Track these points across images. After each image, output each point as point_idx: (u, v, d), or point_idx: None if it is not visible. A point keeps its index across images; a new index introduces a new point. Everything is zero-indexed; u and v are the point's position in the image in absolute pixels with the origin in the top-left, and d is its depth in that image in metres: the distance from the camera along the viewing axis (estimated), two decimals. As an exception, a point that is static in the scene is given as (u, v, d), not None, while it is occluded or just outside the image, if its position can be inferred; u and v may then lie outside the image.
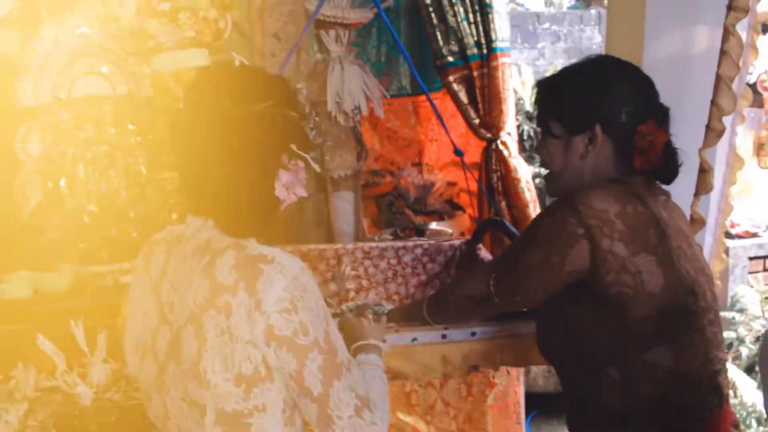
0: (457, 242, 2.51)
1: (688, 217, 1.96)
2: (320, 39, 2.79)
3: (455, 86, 2.71)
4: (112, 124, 2.66)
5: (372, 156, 4.75)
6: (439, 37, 2.63)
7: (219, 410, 1.13)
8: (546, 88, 1.58)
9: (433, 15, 2.66)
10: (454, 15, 2.63)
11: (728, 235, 4.37)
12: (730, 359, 3.55)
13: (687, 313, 1.43)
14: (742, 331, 3.77)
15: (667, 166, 1.50)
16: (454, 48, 2.67)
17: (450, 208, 3.48)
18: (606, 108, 1.46)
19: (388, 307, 2.11)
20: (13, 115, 2.86)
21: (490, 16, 2.61)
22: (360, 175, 2.96)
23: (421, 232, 3.06)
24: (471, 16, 2.63)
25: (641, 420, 1.40)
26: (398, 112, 4.63)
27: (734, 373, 3.32)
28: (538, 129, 1.62)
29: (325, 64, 2.79)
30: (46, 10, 2.75)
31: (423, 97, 4.54)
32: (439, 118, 2.55)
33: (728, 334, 3.83)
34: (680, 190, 1.89)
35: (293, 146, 1.18)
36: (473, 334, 1.80)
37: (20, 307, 2.54)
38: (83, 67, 2.94)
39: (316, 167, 1.27)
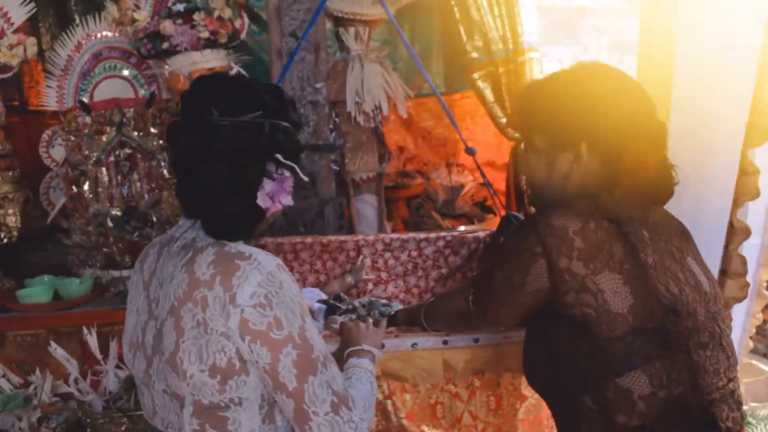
0: (481, 234, 2.41)
1: (726, 226, 1.79)
2: (339, 37, 2.71)
3: (480, 84, 2.57)
4: (134, 128, 2.64)
5: (405, 156, 4.66)
6: (463, 32, 2.50)
7: (196, 402, 1.16)
8: (529, 96, 1.46)
9: (455, 9, 2.53)
10: (478, 9, 2.49)
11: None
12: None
13: (665, 333, 1.29)
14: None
15: (660, 186, 1.39)
16: (478, 43, 2.54)
17: (480, 211, 3.34)
18: (592, 125, 1.34)
19: (397, 307, 2.05)
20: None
21: (516, 9, 2.47)
22: (383, 178, 2.86)
23: (448, 236, 2.94)
24: (496, 9, 2.49)
25: None
26: (432, 112, 4.53)
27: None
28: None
29: (345, 62, 2.72)
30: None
31: (458, 96, 4.44)
32: (449, 116, 2.43)
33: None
34: (718, 196, 1.72)
35: (279, 156, 1.18)
36: (476, 340, 1.75)
37: (40, 311, 2.54)
38: (105, 70, 2.95)
39: (304, 177, 1.24)
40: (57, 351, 2.26)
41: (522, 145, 1.51)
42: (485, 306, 1.48)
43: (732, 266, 1.89)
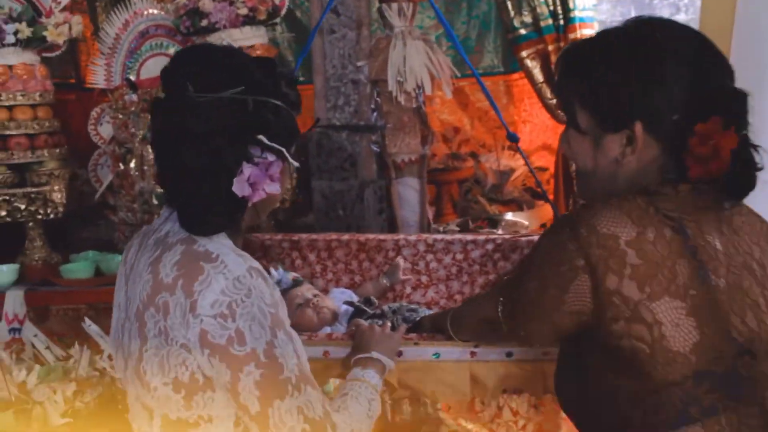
0: (536, 237, 2.18)
1: None
2: (383, 14, 2.61)
3: (529, 62, 2.43)
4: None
5: (460, 138, 4.52)
6: (510, 6, 2.35)
7: (164, 416, 1.07)
8: (572, 62, 1.18)
9: (504, -18, 2.39)
10: (526, -20, 2.34)
11: None
12: None
13: (735, 380, 1.04)
14: None
15: (737, 175, 1.09)
16: (527, 19, 2.38)
17: (530, 197, 3.18)
18: (651, 101, 1.08)
19: (424, 313, 1.90)
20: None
21: (567, -20, 2.31)
22: (426, 160, 2.75)
23: (494, 223, 2.82)
24: (546, -20, 2.34)
25: None
26: (490, 92, 4.34)
27: None
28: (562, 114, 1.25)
29: (388, 40, 2.61)
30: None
31: (516, 76, 4.26)
32: (488, 97, 2.28)
33: None
34: None
35: (263, 138, 1.06)
36: (509, 354, 1.52)
37: (81, 287, 2.58)
38: (152, 48, 2.95)
39: (295, 163, 1.11)
40: (91, 327, 2.29)
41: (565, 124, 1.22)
42: (516, 320, 1.25)
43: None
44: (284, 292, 1.87)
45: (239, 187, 1.05)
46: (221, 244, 1.07)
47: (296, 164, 1.11)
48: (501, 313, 1.28)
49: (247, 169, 1.06)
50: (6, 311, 2.48)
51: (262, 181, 1.07)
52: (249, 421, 1.03)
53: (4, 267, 2.59)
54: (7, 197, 2.61)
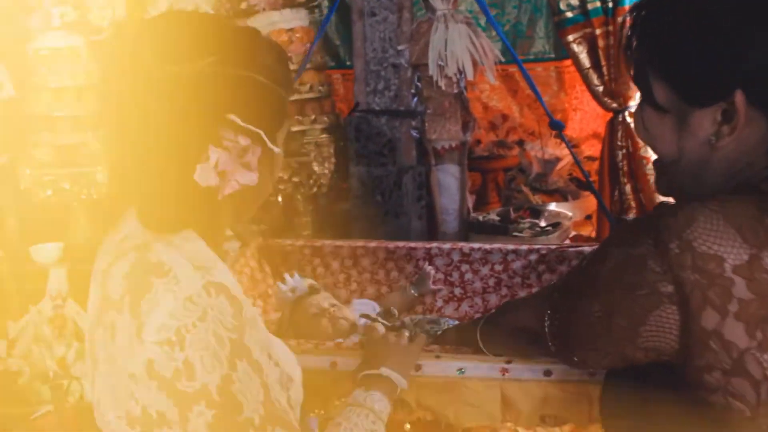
0: (587, 249, 1.97)
1: None
2: (425, -4, 2.55)
3: (575, 47, 2.32)
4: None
5: (508, 125, 4.43)
6: (555, -12, 2.26)
7: None
8: (648, 19, 0.92)
9: (549, -39, 2.29)
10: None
11: None
12: None
13: None
14: None
15: None
16: (574, 1, 2.28)
17: (575, 188, 3.07)
18: (754, 62, 0.83)
19: (447, 324, 1.73)
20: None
21: (618, -41, 2.20)
22: (467, 147, 2.68)
23: (536, 213, 2.73)
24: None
25: None
26: (540, 78, 4.23)
27: None
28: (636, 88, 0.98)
29: (429, 23, 2.55)
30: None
31: (567, 62, 4.13)
32: (530, 83, 2.18)
33: None
34: None
35: (236, 118, 0.89)
36: (548, 373, 1.30)
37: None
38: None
39: (274, 147, 0.93)
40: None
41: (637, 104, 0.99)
42: (568, 345, 1.02)
43: None
44: (299, 300, 1.76)
45: (203, 176, 0.88)
46: (180, 253, 0.89)
47: (277, 150, 0.94)
48: (548, 329, 1.05)
49: (214, 155, 0.89)
50: (50, 288, 2.54)
51: (233, 168, 0.90)
52: None
53: (49, 245, 2.65)
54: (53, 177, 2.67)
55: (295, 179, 2.69)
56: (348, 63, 4.06)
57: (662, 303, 0.83)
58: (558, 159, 3.15)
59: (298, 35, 2.59)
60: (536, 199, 2.96)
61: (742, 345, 0.80)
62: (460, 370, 1.34)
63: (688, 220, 0.82)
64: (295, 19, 2.55)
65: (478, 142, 3.84)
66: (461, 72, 2.51)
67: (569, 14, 2.34)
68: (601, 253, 0.94)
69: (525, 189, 3.00)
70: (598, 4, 2.28)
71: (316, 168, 2.68)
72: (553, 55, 4.06)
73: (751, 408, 0.81)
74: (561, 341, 1.03)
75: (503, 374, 1.32)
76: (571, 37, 2.34)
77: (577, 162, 2.31)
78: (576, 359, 1.02)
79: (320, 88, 2.75)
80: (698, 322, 0.81)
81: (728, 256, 0.80)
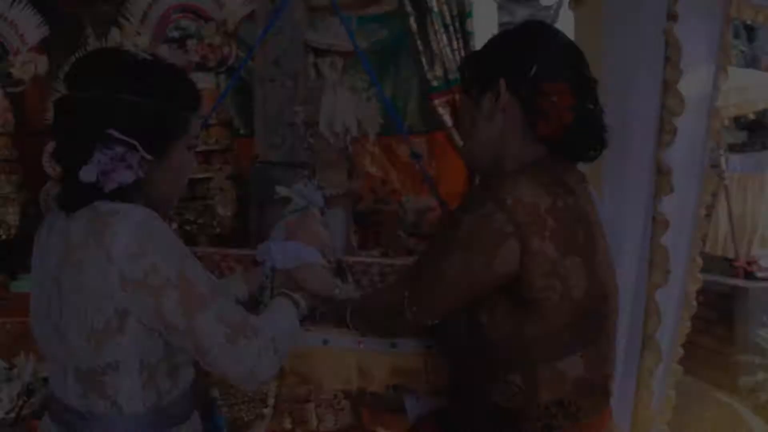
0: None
1: (650, 218, 1.90)
2: (317, 66, 3.02)
3: (440, 110, 2.85)
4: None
5: (388, 189, 4.93)
6: (425, 62, 2.80)
7: (76, 368, 1.17)
8: (468, 60, 1.48)
9: (418, 42, 2.84)
10: (438, 42, 2.79)
11: (751, 276, 4.21)
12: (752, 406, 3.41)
13: (600, 318, 1.30)
14: (761, 375, 3.66)
15: (574, 136, 1.29)
16: (439, 73, 2.83)
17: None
18: (511, 61, 1.30)
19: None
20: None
21: (471, 43, 2.77)
22: (351, 194, 3.11)
23: (412, 253, 3.16)
24: (454, 43, 2.79)
25: (532, 423, 1.29)
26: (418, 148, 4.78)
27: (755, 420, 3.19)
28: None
29: (321, 88, 3.01)
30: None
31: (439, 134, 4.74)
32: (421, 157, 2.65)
33: (748, 379, 3.74)
34: (635, 191, 1.87)
35: (115, 132, 1.16)
36: (393, 345, 1.54)
37: (27, 301, 2.74)
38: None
39: (145, 155, 1.19)
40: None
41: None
42: (433, 297, 1.32)
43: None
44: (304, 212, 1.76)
45: (85, 173, 1.16)
46: (120, 204, 1.17)
47: (148, 156, 1.19)
48: (408, 298, 1.34)
49: (97, 157, 1.16)
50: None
51: (115, 169, 1.17)
52: (184, 337, 1.15)
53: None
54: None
55: (200, 221, 2.99)
56: (241, 131, 4.36)
57: (508, 239, 1.20)
58: (430, 208, 3.64)
59: (204, 95, 2.95)
60: (411, 241, 3.41)
61: (554, 256, 1.21)
62: (325, 341, 1.56)
63: (515, 183, 1.24)
64: (203, 81, 2.92)
65: (360, 198, 4.27)
66: (347, 130, 2.97)
67: (435, 83, 2.87)
68: (454, 221, 1.29)
69: (402, 234, 3.46)
70: (458, 75, 2.83)
71: (220, 211, 3.00)
72: (423, 128, 4.59)
73: (558, 294, 1.22)
74: (422, 301, 1.33)
75: (359, 345, 1.55)
76: (436, 101, 2.86)
77: (429, 182, 2.77)
78: (437, 309, 1.33)
79: (225, 141, 3.11)
80: (530, 246, 1.20)
81: (541, 203, 1.22)
